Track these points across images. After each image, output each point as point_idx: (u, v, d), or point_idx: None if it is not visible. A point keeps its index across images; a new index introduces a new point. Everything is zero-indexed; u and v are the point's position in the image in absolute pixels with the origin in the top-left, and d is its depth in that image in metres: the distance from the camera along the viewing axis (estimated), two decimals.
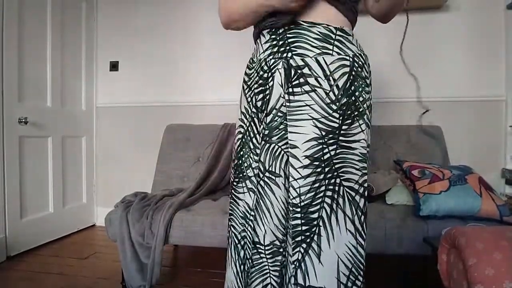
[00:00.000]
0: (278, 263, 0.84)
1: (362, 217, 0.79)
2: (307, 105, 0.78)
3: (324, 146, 0.77)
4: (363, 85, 0.81)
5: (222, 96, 2.36)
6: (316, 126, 0.77)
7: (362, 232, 0.79)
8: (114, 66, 2.57)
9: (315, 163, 0.77)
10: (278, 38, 0.83)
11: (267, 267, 0.85)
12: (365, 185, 0.81)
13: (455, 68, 2.11)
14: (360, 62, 0.81)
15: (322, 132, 0.77)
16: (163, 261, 1.40)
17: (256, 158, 0.86)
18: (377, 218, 1.39)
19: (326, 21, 0.80)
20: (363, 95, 0.81)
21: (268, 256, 0.84)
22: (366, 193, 0.81)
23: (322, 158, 0.77)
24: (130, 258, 1.38)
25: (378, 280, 1.59)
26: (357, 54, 0.82)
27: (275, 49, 0.83)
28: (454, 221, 1.35)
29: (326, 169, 0.77)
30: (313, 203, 0.77)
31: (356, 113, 0.79)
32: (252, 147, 0.88)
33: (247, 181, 0.89)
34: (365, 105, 0.81)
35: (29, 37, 1.99)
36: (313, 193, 0.77)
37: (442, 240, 1.03)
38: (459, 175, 1.46)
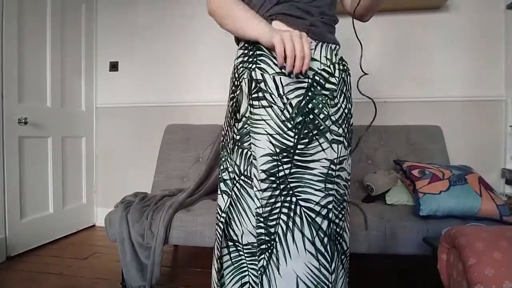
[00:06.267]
0: (257, 262, 0.84)
1: (326, 239, 0.75)
2: (263, 119, 0.78)
3: (279, 163, 0.76)
4: (325, 100, 0.78)
5: (222, 96, 2.35)
6: (271, 142, 0.77)
7: (326, 255, 0.75)
8: (114, 66, 2.57)
9: (270, 178, 0.76)
10: (249, 48, 0.83)
11: (245, 265, 0.86)
12: (330, 206, 0.76)
13: (455, 68, 2.11)
14: (323, 78, 0.79)
15: (276, 149, 0.76)
16: (163, 261, 1.40)
17: (232, 162, 0.87)
18: (377, 218, 1.39)
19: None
20: (325, 111, 0.77)
21: (246, 255, 0.85)
22: (332, 215, 0.77)
23: (277, 175, 0.76)
24: (130, 258, 1.38)
25: (378, 280, 1.60)
26: (320, 71, 0.79)
27: (245, 58, 0.83)
28: (454, 221, 1.35)
29: (281, 186, 0.76)
30: (270, 218, 0.77)
31: (315, 132, 0.76)
32: (229, 151, 0.88)
33: (222, 184, 0.91)
34: (327, 122, 0.77)
35: (28, 38, 1.99)
36: (269, 208, 0.77)
37: (442, 240, 1.03)
38: (459, 175, 1.46)
